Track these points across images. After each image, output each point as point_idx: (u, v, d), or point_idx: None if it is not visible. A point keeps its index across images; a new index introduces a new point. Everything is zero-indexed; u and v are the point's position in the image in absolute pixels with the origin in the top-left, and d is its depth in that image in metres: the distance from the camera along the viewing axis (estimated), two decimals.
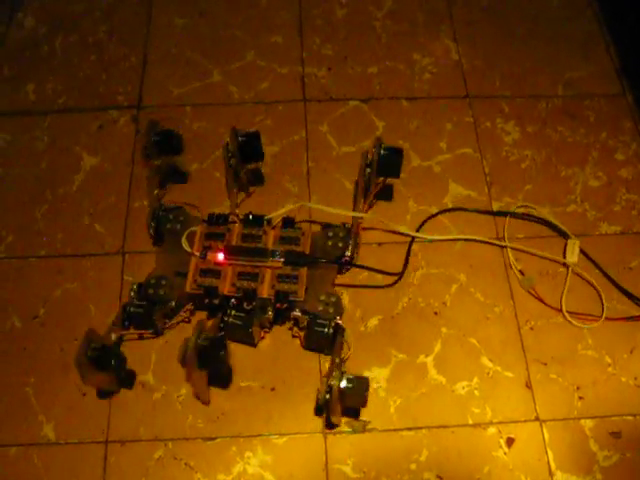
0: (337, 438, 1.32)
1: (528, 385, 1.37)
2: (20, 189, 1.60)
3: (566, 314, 1.43)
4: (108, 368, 1.28)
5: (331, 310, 1.38)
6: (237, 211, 1.51)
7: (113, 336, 1.36)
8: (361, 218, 1.47)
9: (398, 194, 1.58)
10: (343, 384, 1.22)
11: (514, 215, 1.55)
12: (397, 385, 1.37)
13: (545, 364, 1.39)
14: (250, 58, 1.79)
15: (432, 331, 1.43)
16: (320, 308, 1.38)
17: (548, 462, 1.29)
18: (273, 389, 1.36)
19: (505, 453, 1.30)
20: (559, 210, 1.56)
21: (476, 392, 1.36)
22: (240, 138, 1.45)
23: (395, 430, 1.33)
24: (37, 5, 1.90)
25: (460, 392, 1.36)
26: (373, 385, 1.36)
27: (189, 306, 1.41)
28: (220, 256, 1.40)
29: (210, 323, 1.34)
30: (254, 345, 1.40)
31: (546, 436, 1.32)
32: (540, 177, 1.61)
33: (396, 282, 1.47)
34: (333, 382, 1.21)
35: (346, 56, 1.79)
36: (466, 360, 1.39)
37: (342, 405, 1.26)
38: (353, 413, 1.33)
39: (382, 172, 1.45)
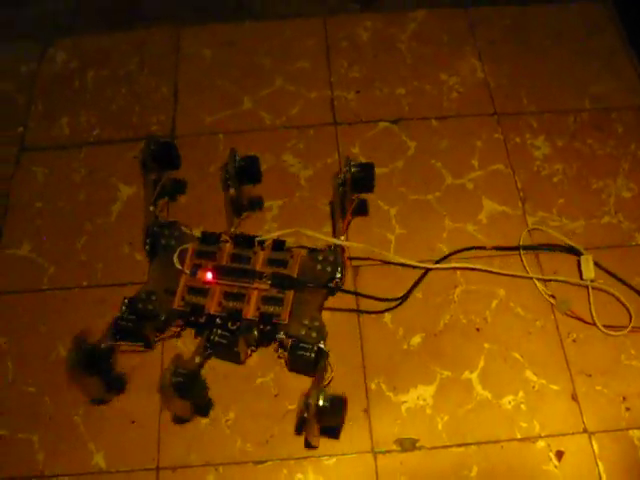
0: (387, 457, 1.32)
1: (574, 397, 1.37)
2: (60, 221, 1.62)
3: (602, 328, 1.43)
4: (94, 371, 1.30)
5: (314, 334, 1.38)
6: (232, 230, 1.53)
7: (103, 346, 1.36)
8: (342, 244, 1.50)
9: (434, 212, 1.59)
10: (320, 402, 1.22)
11: (526, 248, 1.54)
12: (443, 402, 1.37)
13: (590, 376, 1.39)
14: (279, 84, 1.81)
15: (475, 347, 1.43)
16: (303, 332, 1.38)
17: (599, 474, 1.29)
18: None
19: (556, 466, 1.30)
20: (594, 222, 1.57)
21: (522, 406, 1.36)
22: (239, 161, 1.49)
23: (444, 447, 1.33)
24: (68, 41, 1.94)
25: (507, 407, 1.36)
26: (419, 402, 1.36)
27: (179, 322, 1.43)
28: (209, 275, 1.42)
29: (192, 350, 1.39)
30: (241, 363, 1.42)
31: (595, 448, 1.32)
32: (572, 190, 1.62)
33: (397, 307, 1.49)
34: (311, 400, 1.21)
35: (374, 78, 1.82)
36: (510, 374, 1.40)
37: (320, 424, 1.26)
38: (333, 433, 1.34)
39: (357, 188, 1.48)
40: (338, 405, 1.26)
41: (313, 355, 1.35)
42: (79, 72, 1.88)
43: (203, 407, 1.37)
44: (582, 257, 1.51)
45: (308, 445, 1.33)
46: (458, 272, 1.51)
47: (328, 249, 1.49)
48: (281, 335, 1.39)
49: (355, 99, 1.78)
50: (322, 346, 1.37)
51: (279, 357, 1.42)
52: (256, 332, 1.39)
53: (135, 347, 1.43)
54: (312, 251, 1.49)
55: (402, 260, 1.51)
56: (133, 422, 1.37)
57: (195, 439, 1.35)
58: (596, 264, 1.50)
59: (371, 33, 1.91)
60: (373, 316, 1.46)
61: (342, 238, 1.50)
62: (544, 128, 1.72)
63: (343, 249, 1.50)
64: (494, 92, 1.78)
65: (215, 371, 1.41)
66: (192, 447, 1.34)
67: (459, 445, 1.33)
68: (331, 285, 1.46)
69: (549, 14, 1.94)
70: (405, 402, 1.37)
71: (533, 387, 1.38)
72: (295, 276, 1.44)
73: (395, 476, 1.30)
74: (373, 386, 1.39)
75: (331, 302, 1.48)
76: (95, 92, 1.84)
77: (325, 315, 1.46)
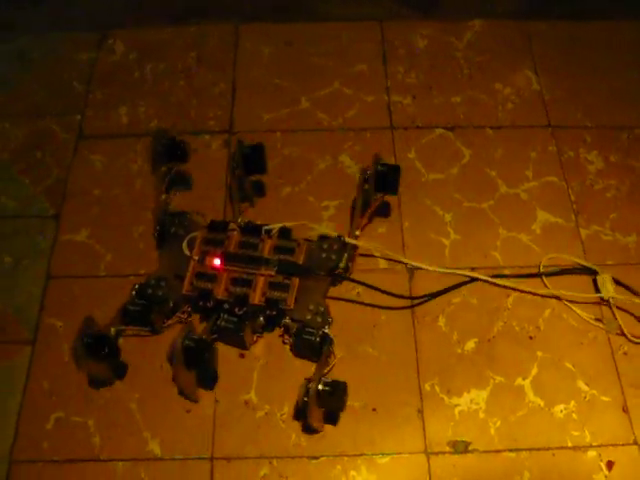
0: (440, 458, 1.34)
1: (625, 409, 1.39)
2: (117, 210, 1.64)
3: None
4: (101, 356, 1.33)
5: (319, 320, 1.41)
6: (240, 220, 1.54)
7: (112, 330, 1.40)
8: (357, 236, 1.53)
9: (488, 220, 1.61)
10: (321, 387, 1.25)
11: (546, 274, 1.55)
12: (496, 407, 1.39)
13: None
14: (336, 86, 1.83)
15: (528, 355, 1.45)
16: (308, 317, 1.41)
17: None
18: (374, 409, 1.38)
19: (606, 476, 1.32)
20: None
21: (574, 415, 1.38)
22: (245, 150, 1.52)
23: (497, 451, 1.34)
24: (126, 32, 1.96)
25: (558, 415, 1.38)
26: (473, 406, 1.38)
27: (186, 308, 1.46)
28: (217, 261, 1.45)
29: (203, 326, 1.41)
30: (246, 348, 1.44)
31: None
32: (625, 206, 1.64)
33: (412, 307, 1.51)
34: (311, 385, 1.24)
35: (430, 85, 1.83)
36: (562, 384, 1.41)
37: (321, 408, 1.29)
38: (333, 419, 1.37)
39: (380, 188, 1.50)
40: (338, 390, 1.28)
41: (318, 339, 1.37)
42: (138, 63, 1.90)
43: (208, 381, 1.41)
44: (598, 276, 1.52)
45: (309, 429, 1.35)
46: (512, 279, 1.52)
47: (335, 238, 1.50)
48: (287, 320, 1.42)
49: (411, 105, 1.80)
50: (327, 332, 1.39)
51: (284, 342, 1.45)
52: (262, 318, 1.42)
53: (142, 332, 1.46)
54: (319, 239, 1.51)
55: (415, 264, 1.54)
56: (188, 411, 1.39)
57: (250, 431, 1.37)
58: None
59: (428, 40, 1.93)
60: (427, 319, 1.48)
61: (357, 233, 1.53)
62: (598, 143, 1.73)
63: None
64: (549, 105, 1.80)
65: (269, 364, 1.43)
66: (247, 439, 1.36)
67: (511, 450, 1.35)
68: (335, 274, 1.48)
69: (606, 30, 1.96)
70: (458, 405, 1.39)
71: (584, 397, 1.40)
72: (301, 263, 1.46)
73: (448, 478, 1.32)
74: (427, 387, 1.40)
75: (387, 301, 1.50)
76: (153, 84, 1.85)
77: (380, 316, 1.48)
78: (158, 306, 1.44)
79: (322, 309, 1.42)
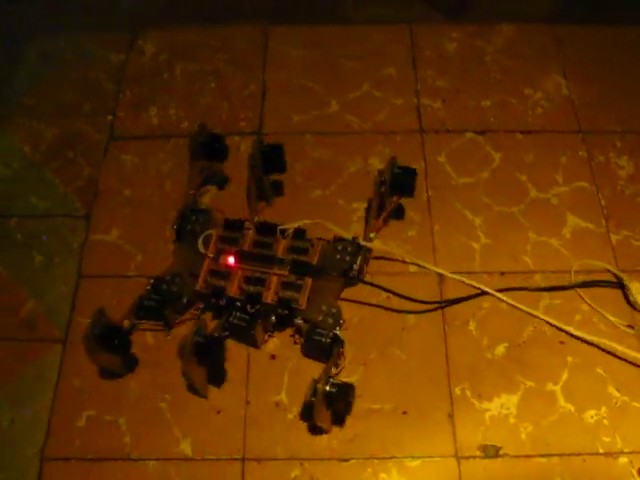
0: (470, 462, 1.34)
1: None
2: (148, 209, 1.65)
3: None
4: (111, 348, 1.35)
5: (330, 321, 1.41)
6: (256, 219, 1.55)
7: (126, 323, 1.42)
8: (371, 238, 1.52)
9: (517, 225, 1.61)
10: (328, 388, 1.25)
11: (577, 286, 1.54)
12: (527, 412, 1.38)
13: None
14: (366, 89, 1.83)
15: (558, 360, 1.44)
16: (320, 318, 1.41)
17: None
18: (405, 412, 1.38)
19: None
20: None
21: (605, 421, 1.37)
22: (264, 149, 1.53)
23: (528, 456, 1.34)
24: (156, 33, 1.97)
25: (589, 420, 1.37)
26: (503, 411, 1.38)
27: (199, 304, 1.47)
28: (231, 259, 1.45)
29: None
30: (257, 347, 1.45)
31: None
32: None
33: (432, 310, 1.50)
34: (319, 385, 1.24)
35: (459, 89, 1.83)
36: (593, 389, 1.41)
37: (327, 409, 1.28)
38: (339, 420, 1.37)
39: (397, 190, 1.51)
40: (345, 392, 1.29)
41: (329, 340, 1.38)
42: (168, 64, 1.91)
43: (217, 379, 1.41)
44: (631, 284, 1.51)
45: (316, 429, 1.35)
46: (542, 284, 1.53)
47: (349, 240, 1.50)
48: (298, 320, 1.42)
49: (441, 108, 1.80)
50: (338, 333, 1.39)
51: (295, 342, 1.45)
52: (274, 317, 1.42)
53: (155, 326, 1.47)
54: (334, 241, 1.51)
55: (423, 264, 1.54)
56: (219, 412, 1.39)
57: (281, 433, 1.37)
58: None
59: (457, 44, 1.93)
60: (457, 323, 1.48)
61: (372, 235, 1.52)
62: (628, 148, 1.73)
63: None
64: (579, 110, 1.79)
65: (300, 365, 1.43)
66: (277, 440, 1.36)
67: (542, 455, 1.34)
68: (350, 275, 1.47)
69: (636, 34, 1.96)
70: (489, 410, 1.39)
71: (615, 403, 1.39)
72: (314, 264, 1.46)
73: None
74: (458, 392, 1.40)
75: (419, 306, 1.50)
76: (184, 85, 1.87)
77: (410, 320, 1.48)
78: (172, 302, 1.45)
79: (334, 310, 1.42)
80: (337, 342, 1.39)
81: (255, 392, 1.41)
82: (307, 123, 1.78)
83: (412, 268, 1.54)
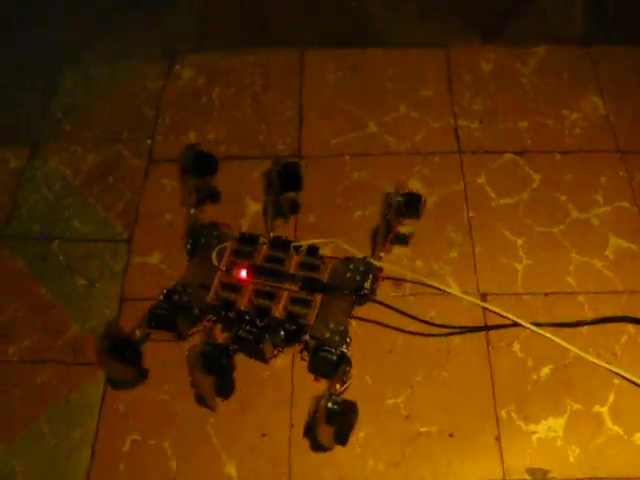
0: None
1: None
2: None
3: None
4: (121, 358, 1.36)
5: (337, 338, 1.41)
6: (272, 234, 1.57)
7: (138, 332, 1.44)
8: (381, 257, 1.54)
9: (559, 245, 1.60)
10: (330, 405, 1.25)
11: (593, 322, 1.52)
12: (574, 434, 1.37)
13: None
14: (403, 110, 1.84)
15: (605, 381, 1.43)
16: (327, 335, 1.41)
17: None
18: (451, 435, 1.37)
19: None
20: None
21: None
22: (280, 167, 1.54)
23: None
24: (193, 58, 1.99)
25: (638, 443, 1.36)
26: (550, 433, 1.36)
27: (211, 316, 1.48)
28: (243, 273, 1.46)
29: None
30: (265, 362, 1.46)
31: None
32: None
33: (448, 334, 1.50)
34: (322, 402, 1.24)
35: (496, 110, 1.84)
36: None
37: (330, 426, 1.28)
38: (341, 439, 1.36)
39: (402, 215, 1.50)
40: (347, 409, 1.29)
41: (335, 358, 1.38)
42: (205, 88, 1.93)
43: (225, 390, 1.42)
44: None
45: (318, 446, 1.35)
46: (586, 305, 1.51)
47: (361, 260, 1.50)
48: (306, 337, 1.42)
49: (479, 129, 1.80)
50: (345, 351, 1.39)
51: (302, 359, 1.46)
52: (282, 333, 1.43)
53: (167, 337, 1.48)
54: (346, 259, 1.52)
55: (432, 283, 1.55)
56: (264, 435, 1.39)
57: (326, 456, 1.37)
58: None
59: (493, 65, 1.93)
60: (503, 345, 1.47)
61: (381, 255, 1.54)
62: None
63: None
64: (617, 130, 1.79)
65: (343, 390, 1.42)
66: (323, 464, 1.36)
67: (591, 479, 1.32)
68: (360, 294, 1.48)
69: None
70: (536, 432, 1.38)
71: None
72: (325, 281, 1.47)
73: None
74: (504, 414, 1.39)
75: (459, 321, 1.50)
76: (221, 109, 1.88)
77: (455, 341, 1.47)
78: (183, 312, 1.46)
79: (342, 328, 1.43)
80: (343, 360, 1.39)
81: (299, 415, 1.40)
82: (346, 145, 1.79)
83: (455, 289, 1.53)
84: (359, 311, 1.51)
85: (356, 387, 1.42)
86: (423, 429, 1.38)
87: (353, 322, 1.50)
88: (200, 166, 1.61)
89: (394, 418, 1.40)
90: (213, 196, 1.70)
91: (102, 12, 2.11)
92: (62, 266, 1.62)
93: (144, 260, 1.62)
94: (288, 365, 1.47)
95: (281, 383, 1.44)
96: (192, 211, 1.61)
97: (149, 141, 1.82)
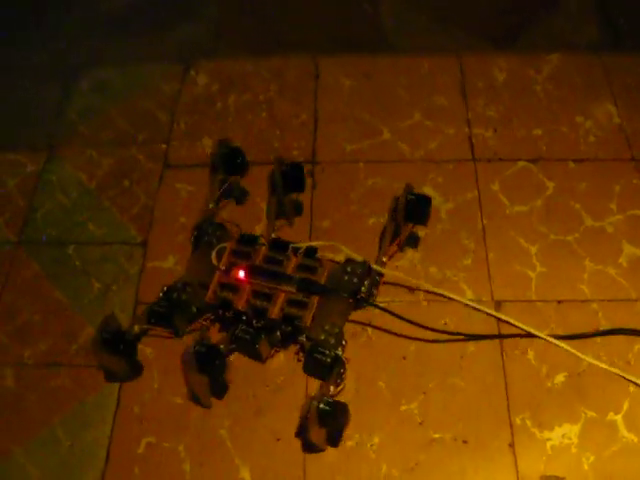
0: None
1: None
2: None
3: None
4: (117, 352, 1.38)
5: (332, 340, 1.42)
6: (273, 235, 1.59)
7: (136, 328, 1.46)
8: (384, 263, 1.55)
9: (573, 253, 1.60)
10: (321, 406, 1.26)
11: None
12: (589, 442, 1.37)
13: None
14: (417, 118, 1.85)
15: (619, 389, 1.43)
16: (322, 337, 1.42)
17: None
18: (465, 442, 1.38)
19: None
20: None
21: None
22: (284, 168, 1.56)
23: None
24: (209, 64, 2.00)
25: None
26: (565, 441, 1.37)
27: (209, 315, 1.49)
28: (241, 273, 1.47)
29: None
30: (262, 361, 1.47)
31: None
32: None
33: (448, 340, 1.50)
34: (314, 403, 1.26)
35: (510, 118, 1.84)
36: None
37: (321, 427, 1.29)
38: (334, 440, 1.37)
39: (410, 218, 1.51)
40: (338, 410, 1.30)
41: (329, 360, 1.39)
42: (220, 94, 1.94)
43: (219, 390, 1.43)
44: None
45: (310, 447, 1.36)
46: (600, 313, 1.51)
47: (360, 263, 1.51)
48: (302, 337, 1.43)
49: (493, 137, 1.80)
50: (340, 353, 1.40)
51: (298, 360, 1.47)
52: (279, 333, 1.44)
53: (164, 333, 1.50)
54: (344, 262, 1.53)
55: (433, 289, 1.55)
56: (278, 440, 1.39)
57: (340, 461, 1.37)
58: None
59: (506, 73, 1.94)
60: (517, 352, 1.47)
61: (384, 259, 1.54)
62: None
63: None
64: (631, 138, 1.79)
65: (359, 394, 1.43)
66: (337, 469, 1.36)
67: None
68: (357, 297, 1.48)
69: None
70: (550, 439, 1.38)
71: None
72: (322, 283, 1.48)
73: None
74: (518, 421, 1.39)
75: (474, 332, 1.49)
76: (236, 115, 1.89)
77: (468, 348, 1.47)
78: (181, 310, 1.47)
79: (337, 330, 1.44)
80: (337, 362, 1.40)
81: None
82: (360, 151, 1.79)
83: (469, 295, 1.54)
84: (373, 318, 1.51)
85: (370, 393, 1.43)
86: (437, 435, 1.38)
87: (368, 329, 1.50)
88: (230, 162, 1.63)
89: (408, 424, 1.40)
90: (240, 196, 1.71)
91: (118, 18, 2.12)
92: (78, 270, 1.63)
93: (159, 264, 1.63)
94: (302, 375, 1.47)
95: (296, 387, 1.44)
96: (210, 205, 1.63)
97: (164, 146, 1.83)
